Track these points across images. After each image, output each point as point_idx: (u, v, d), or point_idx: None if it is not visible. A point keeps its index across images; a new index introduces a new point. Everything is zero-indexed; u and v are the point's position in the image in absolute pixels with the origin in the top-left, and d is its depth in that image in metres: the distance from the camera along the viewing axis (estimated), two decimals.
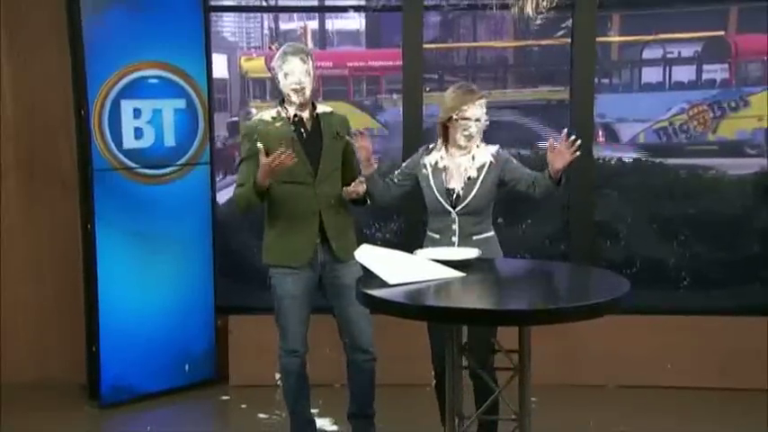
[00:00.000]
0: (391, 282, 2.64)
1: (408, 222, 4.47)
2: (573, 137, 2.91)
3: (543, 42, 11.82)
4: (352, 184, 3.16)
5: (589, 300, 2.56)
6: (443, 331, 2.94)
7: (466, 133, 3.07)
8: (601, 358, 4.25)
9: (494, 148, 3.14)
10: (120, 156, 4.03)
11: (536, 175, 3.04)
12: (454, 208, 3.08)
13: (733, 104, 10.90)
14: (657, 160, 5.74)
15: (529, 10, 4.32)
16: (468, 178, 3.09)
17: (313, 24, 14.31)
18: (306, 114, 3.24)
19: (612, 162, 6.27)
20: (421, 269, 2.74)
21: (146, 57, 4.04)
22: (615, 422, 3.86)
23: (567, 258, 4.38)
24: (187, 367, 4.29)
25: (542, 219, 5.17)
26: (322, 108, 3.31)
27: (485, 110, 3.09)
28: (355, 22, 14.24)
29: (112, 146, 4.01)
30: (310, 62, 3.20)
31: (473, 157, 3.11)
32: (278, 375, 3.64)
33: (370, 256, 2.80)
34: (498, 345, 2.93)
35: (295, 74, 3.16)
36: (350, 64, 12.27)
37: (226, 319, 4.37)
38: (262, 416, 3.95)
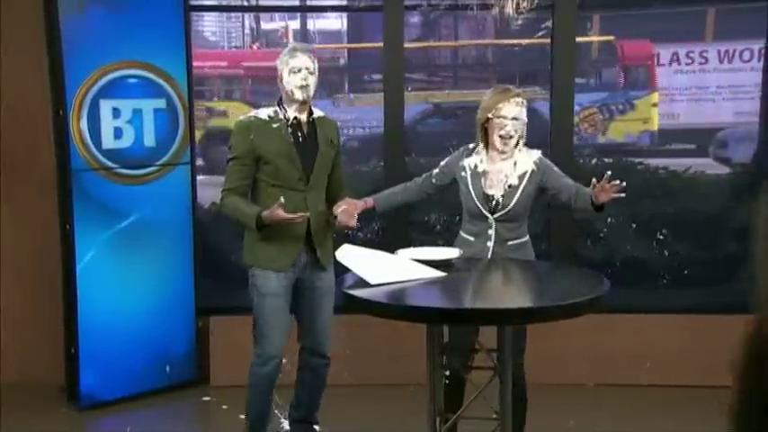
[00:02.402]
0: (373, 282, 2.64)
1: (390, 222, 4.47)
2: (617, 181, 2.84)
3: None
4: (344, 216, 3.09)
5: (569, 299, 2.57)
6: (465, 332, 2.93)
7: (502, 132, 3.00)
8: (581, 357, 4.27)
9: (536, 155, 3.08)
10: (100, 156, 3.99)
11: (578, 187, 3.01)
12: (492, 214, 3.04)
13: (620, 107, 11.17)
14: (638, 160, 5.77)
15: (509, 10, 4.33)
16: (509, 186, 3.03)
17: (294, 24, 14.29)
18: (303, 117, 3.17)
19: (593, 162, 6.31)
20: (402, 269, 2.74)
21: (126, 56, 4.00)
22: (596, 421, 3.88)
23: (548, 257, 4.40)
24: (168, 368, 4.26)
25: None
26: (318, 112, 3.25)
27: (523, 109, 3.01)
28: (337, 21, 14.23)
29: (91, 146, 3.97)
30: (315, 62, 3.16)
31: (515, 164, 3.04)
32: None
33: (352, 256, 2.80)
34: (479, 344, 2.94)
35: (302, 71, 3.09)
36: (245, 64, 12.33)
37: (207, 319, 4.35)
38: (243, 417, 3.93)
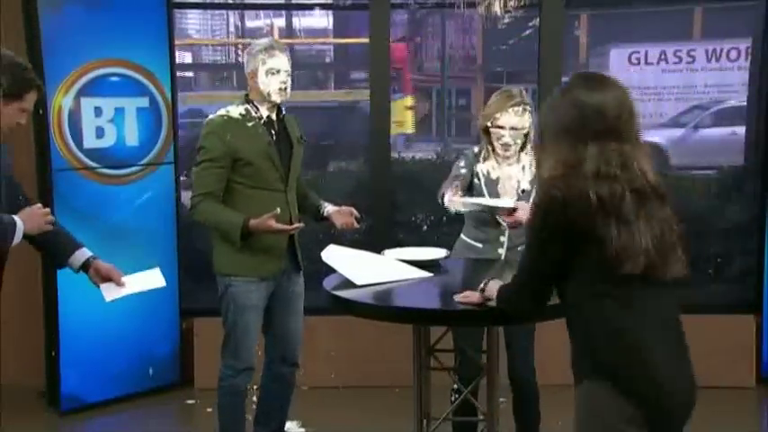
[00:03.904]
0: (359, 282, 2.61)
1: (377, 222, 4.44)
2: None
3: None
4: (343, 218, 3.06)
5: (556, 299, 2.54)
6: (473, 334, 2.91)
7: (501, 143, 2.94)
8: (567, 358, 4.25)
9: None
10: (81, 155, 3.94)
11: None
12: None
13: None
14: None
15: (496, 9, 4.30)
16: (522, 191, 2.98)
17: (280, 22, 14.23)
18: (273, 116, 3.05)
19: None
20: (388, 270, 2.72)
21: (107, 54, 3.95)
22: None
23: None
24: (151, 371, 4.21)
25: None
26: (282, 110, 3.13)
27: (523, 117, 2.93)
28: (323, 19, 14.20)
29: (72, 145, 3.92)
30: (290, 61, 3.04)
31: (523, 168, 3.00)
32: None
33: (338, 256, 2.77)
34: (467, 345, 2.91)
35: (281, 72, 2.95)
36: None
37: (191, 321, 4.31)
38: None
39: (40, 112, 3.87)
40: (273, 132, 3.03)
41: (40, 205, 2.48)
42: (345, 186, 5.12)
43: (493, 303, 2.21)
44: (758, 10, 4.69)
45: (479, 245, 3.06)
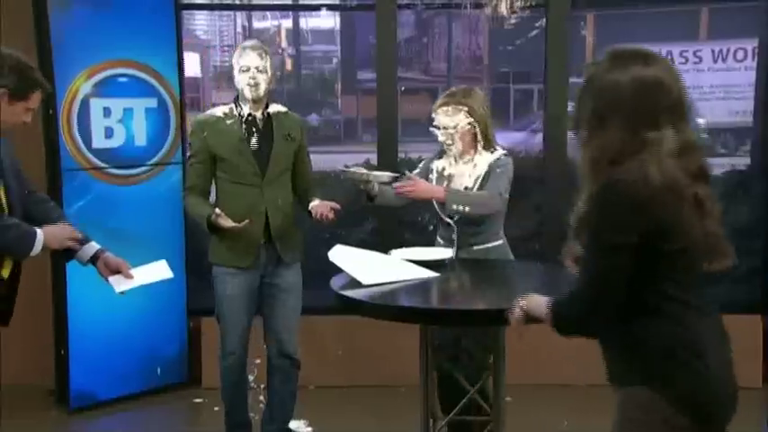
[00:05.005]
0: (365, 282, 2.62)
1: (384, 222, 4.45)
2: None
3: None
4: (319, 208, 3.10)
5: None
6: (446, 335, 2.92)
7: (440, 140, 3.04)
8: (574, 357, 4.25)
9: (494, 156, 3.04)
10: (90, 155, 3.97)
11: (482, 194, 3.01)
12: (452, 218, 3.04)
13: None
14: None
15: (503, 9, 4.31)
16: (465, 188, 3.03)
17: (287, 23, 14.26)
18: (259, 114, 3.19)
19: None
20: (395, 270, 2.73)
21: (116, 55, 3.98)
22: (589, 421, 3.86)
23: (541, 258, 4.39)
24: (159, 370, 4.24)
25: (516, 219, 5.18)
26: (275, 108, 3.25)
27: (454, 117, 2.99)
28: (330, 20, 14.20)
29: (82, 145, 3.94)
30: (268, 60, 3.16)
31: (474, 165, 3.05)
32: (251, 377, 3.61)
33: (344, 256, 2.78)
34: (473, 345, 2.92)
35: (251, 69, 3.12)
36: None
37: (198, 321, 4.32)
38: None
39: (50, 112, 3.91)
40: (255, 129, 3.16)
41: (69, 225, 2.51)
42: (352, 186, 5.12)
43: (542, 320, 1.95)
44: (764, 10, 4.69)
45: (442, 242, 3.11)
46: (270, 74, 3.17)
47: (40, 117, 4.03)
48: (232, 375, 3.30)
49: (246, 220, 3.04)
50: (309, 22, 14.47)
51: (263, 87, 3.14)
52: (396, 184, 2.96)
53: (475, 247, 3.03)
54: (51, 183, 3.99)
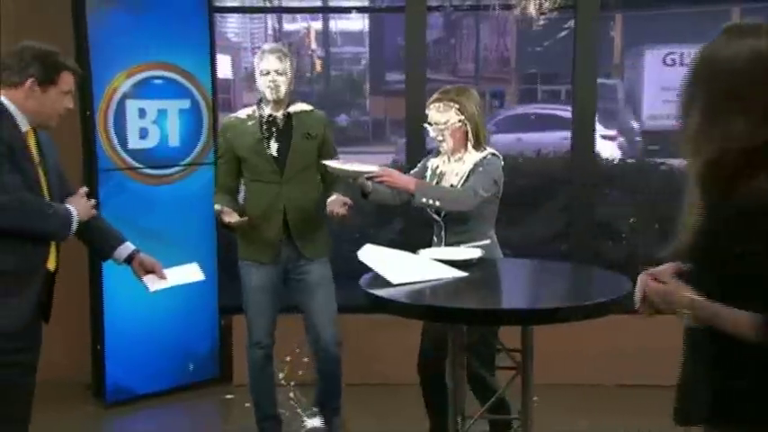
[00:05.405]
0: (394, 281, 2.65)
1: (412, 222, 4.48)
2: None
3: None
4: (331, 205, 3.16)
5: (592, 299, 2.58)
6: (437, 333, 2.97)
7: (431, 136, 3.09)
8: (602, 357, 4.26)
9: (481, 155, 3.05)
10: (125, 156, 4.05)
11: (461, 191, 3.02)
12: (439, 216, 3.08)
13: None
14: (660, 160, 5.75)
15: (531, 10, 4.33)
16: (451, 185, 3.05)
17: (317, 25, 14.36)
18: (279, 114, 3.28)
19: (615, 161, 6.30)
20: (424, 269, 2.75)
21: (151, 57, 4.06)
22: (616, 421, 3.87)
23: (568, 258, 4.40)
24: (191, 366, 4.31)
25: (543, 218, 5.19)
26: (298, 107, 3.33)
27: (445, 113, 3.01)
28: (359, 22, 14.29)
29: (117, 146, 4.03)
30: (288, 62, 3.25)
31: (463, 163, 3.07)
32: (281, 374, 3.67)
33: (374, 255, 2.81)
34: (501, 344, 2.95)
35: (270, 73, 3.21)
36: None
37: (229, 318, 4.38)
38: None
39: (87, 113, 4.00)
40: (275, 129, 3.27)
41: (83, 191, 2.58)
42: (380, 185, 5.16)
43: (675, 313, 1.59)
44: None
45: (435, 239, 3.15)
46: (290, 76, 3.25)
47: (77, 118, 4.13)
48: (257, 365, 3.39)
49: (246, 218, 3.20)
50: (339, 24, 14.55)
51: (283, 89, 3.24)
52: (369, 173, 2.96)
53: (462, 246, 3.03)
54: (88, 183, 4.06)
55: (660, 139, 10.79)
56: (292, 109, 3.30)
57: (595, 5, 4.33)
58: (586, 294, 2.79)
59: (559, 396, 4.00)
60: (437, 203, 2.93)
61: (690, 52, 11.35)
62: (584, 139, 4.40)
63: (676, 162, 5.87)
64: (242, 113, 3.35)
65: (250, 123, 3.29)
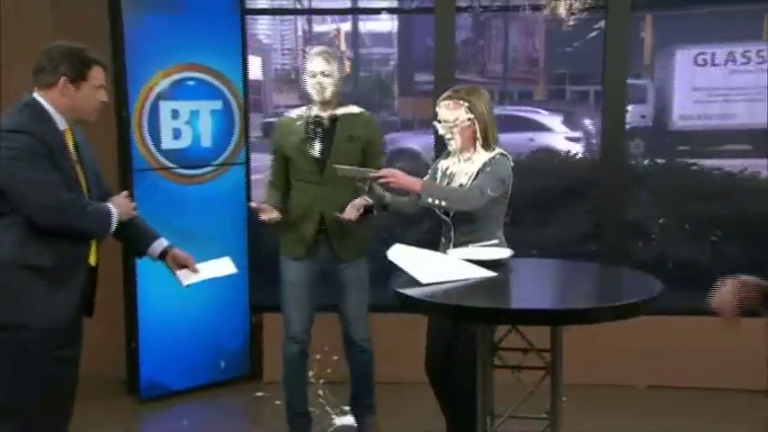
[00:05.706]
0: (424, 281, 2.67)
1: (439, 222, 4.50)
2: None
3: None
4: (349, 209, 3.20)
5: (622, 300, 2.58)
6: (441, 331, 2.99)
7: (440, 134, 3.11)
8: (631, 358, 4.25)
9: (490, 155, 3.04)
10: (159, 156, 4.12)
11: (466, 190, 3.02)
12: (448, 216, 3.08)
13: None
14: (691, 161, 5.70)
15: (561, 11, 4.33)
16: (460, 185, 3.05)
17: (346, 27, 14.41)
18: (326, 115, 3.33)
19: (645, 162, 6.26)
20: (453, 269, 2.77)
21: (184, 59, 4.12)
22: (645, 422, 3.86)
23: (597, 259, 4.38)
24: (222, 364, 4.37)
25: (572, 219, 5.18)
26: (345, 109, 3.36)
27: (454, 111, 3.02)
28: (388, 24, 14.32)
29: (151, 146, 4.10)
30: (335, 64, 3.29)
31: (472, 163, 3.07)
32: (311, 373, 3.71)
33: (404, 255, 2.83)
34: (530, 344, 2.95)
35: (317, 75, 3.27)
36: None
37: (260, 316, 4.44)
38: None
39: (123, 114, 4.07)
40: (320, 130, 3.31)
41: (125, 193, 2.65)
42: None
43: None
44: None
45: (444, 240, 3.14)
46: (336, 77, 3.29)
47: (113, 119, 4.21)
48: (292, 361, 3.45)
49: (279, 215, 3.26)
50: (367, 25, 14.60)
51: (329, 91, 3.28)
52: (375, 174, 2.98)
53: (471, 246, 3.03)
54: (122, 183, 4.14)
55: (691, 139, 10.69)
56: (340, 111, 3.34)
57: (626, 6, 4.31)
58: (617, 295, 2.79)
59: (589, 397, 4.00)
60: (443, 203, 2.93)
61: (721, 52, 11.24)
62: (613, 139, 4.38)
63: (708, 162, 5.83)
64: (293, 113, 3.44)
65: (298, 123, 3.35)
